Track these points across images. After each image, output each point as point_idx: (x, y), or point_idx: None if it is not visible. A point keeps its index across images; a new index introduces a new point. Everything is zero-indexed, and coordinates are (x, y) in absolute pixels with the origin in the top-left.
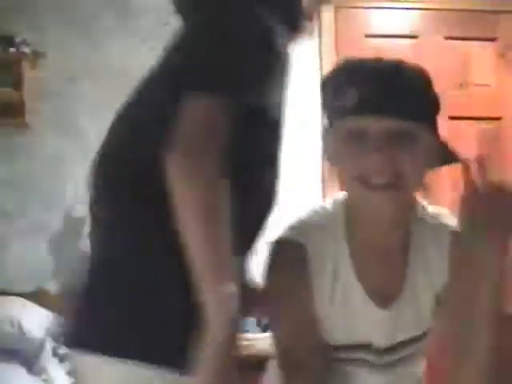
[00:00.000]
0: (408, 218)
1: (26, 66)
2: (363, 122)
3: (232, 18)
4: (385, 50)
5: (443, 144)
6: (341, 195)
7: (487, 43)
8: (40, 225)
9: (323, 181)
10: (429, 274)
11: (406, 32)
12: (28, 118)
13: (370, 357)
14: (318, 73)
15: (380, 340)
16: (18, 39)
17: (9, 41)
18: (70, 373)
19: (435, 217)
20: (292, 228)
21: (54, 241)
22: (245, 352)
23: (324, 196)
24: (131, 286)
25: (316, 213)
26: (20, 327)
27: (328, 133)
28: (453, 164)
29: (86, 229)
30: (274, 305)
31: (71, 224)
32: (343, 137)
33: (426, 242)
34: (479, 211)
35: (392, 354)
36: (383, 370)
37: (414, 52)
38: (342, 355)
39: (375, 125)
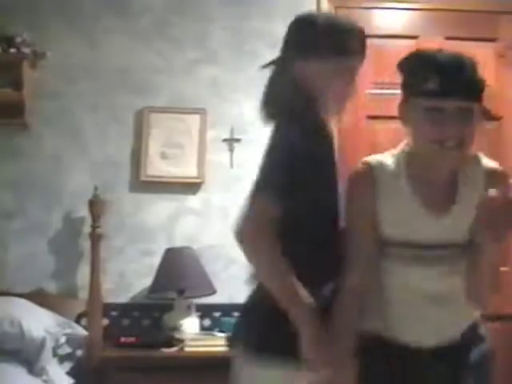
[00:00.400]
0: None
1: (26, 67)
2: (441, 102)
3: (287, 147)
4: (385, 50)
5: (485, 108)
6: (402, 146)
7: (487, 44)
8: (40, 225)
9: None
10: (470, 199)
11: (406, 32)
12: (28, 118)
13: (415, 251)
14: None
15: (426, 238)
16: (18, 40)
17: (9, 41)
18: (69, 373)
19: (475, 158)
20: (370, 157)
21: (54, 241)
22: None
23: None
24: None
25: (387, 153)
26: (20, 327)
27: (405, 105)
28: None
29: (86, 229)
30: (348, 207)
31: (71, 224)
32: (422, 110)
33: (469, 175)
34: (484, 213)
35: (433, 251)
36: (425, 263)
37: None
38: (394, 250)
39: (450, 104)
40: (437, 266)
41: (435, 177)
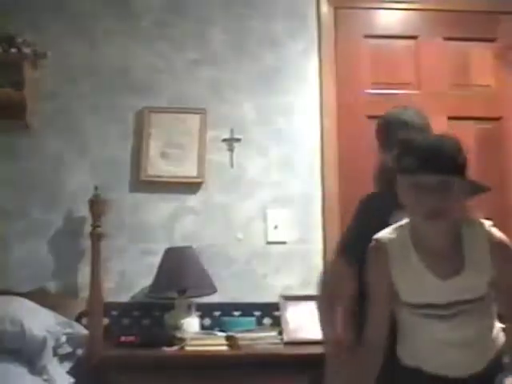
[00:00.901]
0: (457, 228)
1: (27, 67)
2: (421, 178)
3: (360, 223)
4: (384, 50)
5: (472, 182)
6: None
7: (486, 44)
8: (40, 224)
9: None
10: (477, 262)
11: (406, 33)
12: (29, 118)
13: (433, 311)
14: (317, 73)
15: (441, 300)
16: (19, 40)
17: (10, 41)
18: (70, 372)
19: (479, 224)
20: (380, 235)
21: (55, 240)
22: (246, 351)
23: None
24: None
25: (394, 227)
26: (21, 326)
27: (397, 181)
28: (481, 194)
29: (86, 228)
30: (369, 278)
31: (71, 224)
32: (407, 187)
33: (473, 240)
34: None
35: (449, 309)
36: (442, 320)
37: (414, 53)
38: (417, 311)
39: (428, 180)
40: (459, 318)
41: (435, 245)
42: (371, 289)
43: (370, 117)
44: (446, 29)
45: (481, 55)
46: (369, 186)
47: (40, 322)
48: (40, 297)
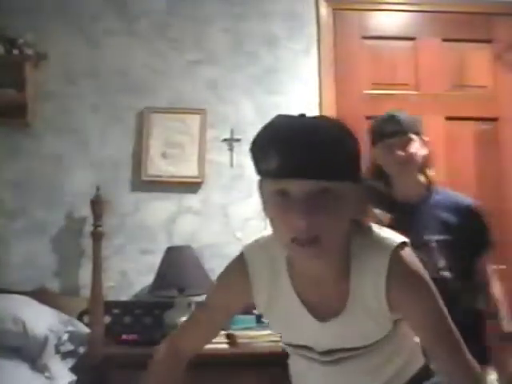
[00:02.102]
0: (344, 253)
1: (28, 67)
2: (285, 184)
3: None
4: (383, 51)
5: (370, 187)
6: None
7: (483, 45)
8: (42, 224)
9: None
10: (366, 301)
11: (404, 34)
12: (30, 118)
13: (311, 355)
14: (317, 74)
15: (319, 345)
16: (20, 41)
17: (12, 42)
18: (71, 369)
19: (377, 241)
20: (250, 245)
21: (56, 240)
22: (245, 349)
23: None
24: None
25: (270, 237)
26: (23, 325)
27: (259, 189)
28: (380, 203)
29: (87, 228)
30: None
31: (73, 223)
32: (269, 195)
33: (364, 270)
34: None
35: (331, 356)
36: (324, 364)
37: (411, 54)
38: (290, 349)
39: (295, 187)
40: (347, 363)
41: (314, 273)
42: (212, 293)
43: (369, 117)
44: (444, 30)
45: (478, 56)
46: None
47: (42, 320)
48: (42, 296)
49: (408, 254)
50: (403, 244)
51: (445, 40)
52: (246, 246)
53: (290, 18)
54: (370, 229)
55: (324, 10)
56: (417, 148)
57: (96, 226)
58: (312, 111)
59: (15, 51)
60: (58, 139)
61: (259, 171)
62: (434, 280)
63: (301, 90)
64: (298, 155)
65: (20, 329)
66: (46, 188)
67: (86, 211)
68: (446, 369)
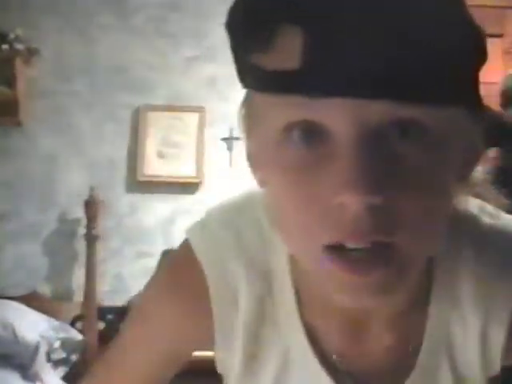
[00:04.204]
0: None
1: (19, 64)
2: (319, 110)
3: None
4: None
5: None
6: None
7: (494, 40)
8: (34, 226)
9: None
10: (461, 350)
11: None
12: (22, 116)
13: None
14: None
15: None
16: (11, 36)
17: (2, 38)
18: (64, 378)
19: (497, 241)
20: (196, 227)
21: (49, 242)
22: None
23: None
24: None
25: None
26: (13, 331)
27: (245, 114)
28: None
29: (81, 230)
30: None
31: (66, 225)
32: (274, 138)
33: (464, 289)
34: None
35: None
36: None
37: None
38: None
39: (345, 120)
40: None
41: (358, 310)
42: (131, 331)
43: None
44: None
45: (488, 51)
46: None
47: (33, 326)
48: (33, 300)
49: None
50: None
51: None
52: (197, 233)
53: None
54: (473, 216)
55: None
56: None
57: (90, 227)
58: None
59: (5, 46)
60: (50, 138)
61: (249, 75)
62: None
63: None
64: (351, 39)
65: (10, 335)
66: (37, 189)
67: (79, 213)
68: None
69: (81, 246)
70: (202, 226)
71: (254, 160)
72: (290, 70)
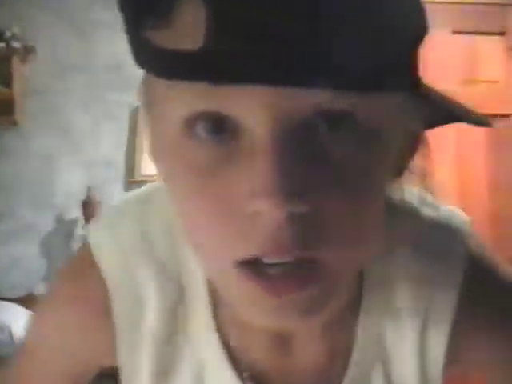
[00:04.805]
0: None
1: (15, 62)
2: (225, 100)
3: None
4: None
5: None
6: None
7: (496, 37)
8: (30, 227)
9: None
10: (396, 360)
11: None
12: (17, 115)
13: None
14: None
15: None
16: (7, 34)
17: None
18: None
19: (434, 236)
20: (97, 228)
21: (45, 243)
22: None
23: None
24: None
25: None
26: (10, 333)
27: (143, 100)
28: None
29: (78, 230)
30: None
31: (62, 226)
32: (176, 127)
33: (399, 294)
34: None
35: None
36: None
37: (420, 47)
38: None
39: (259, 112)
40: None
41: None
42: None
43: None
44: (454, 22)
45: (491, 49)
46: None
47: None
48: (30, 302)
49: (485, 249)
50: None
51: (455, 32)
52: (99, 234)
53: None
54: (412, 209)
55: None
56: None
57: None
58: None
59: (1, 44)
60: (47, 137)
61: (142, 52)
62: None
63: None
64: (268, 17)
65: (6, 337)
66: (34, 189)
67: (76, 213)
68: None
69: (78, 246)
70: (103, 225)
71: (155, 155)
72: (190, 51)
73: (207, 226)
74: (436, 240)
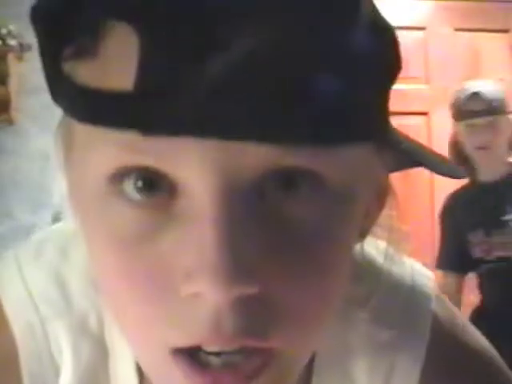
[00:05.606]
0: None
1: (12, 60)
2: (160, 154)
3: None
4: None
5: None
6: None
7: (499, 35)
8: (27, 227)
9: None
10: None
11: (413, 23)
12: (14, 114)
13: None
14: None
15: None
16: (3, 31)
17: None
18: None
19: (394, 295)
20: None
21: None
22: None
23: None
24: None
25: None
26: None
27: (61, 143)
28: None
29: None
30: None
31: None
32: (99, 182)
33: (358, 355)
34: None
35: None
36: None
37: (421, 45)
38: None
39: (200, 171)
40: None
41: None
42: None
43: None
44: (457, 19)
45: (494, 47)
46: None
47: None
48: None
49: (452, 309)
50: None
51: (458, 30)
52: (9, 279)
53: None
54: (369, 264)
55: None
56: (503, 130)
57: None
58: None
59: None
60: (44, 136)
61: (59, 88)
62: None
63: None
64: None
65: None
66: (31, 188)
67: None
68: None
69: None
70: (15, 269)
71: (75, 207)
72: (119, 92)
73: (136, 307)
74: (399, 304)
